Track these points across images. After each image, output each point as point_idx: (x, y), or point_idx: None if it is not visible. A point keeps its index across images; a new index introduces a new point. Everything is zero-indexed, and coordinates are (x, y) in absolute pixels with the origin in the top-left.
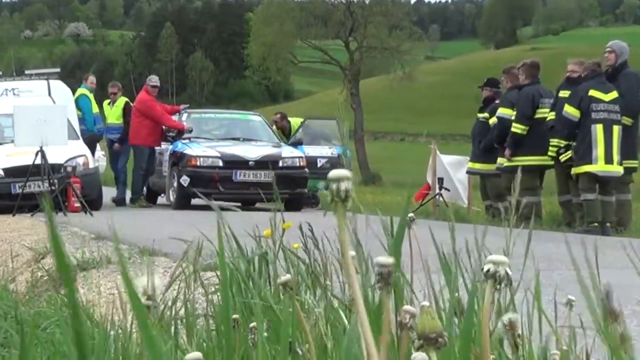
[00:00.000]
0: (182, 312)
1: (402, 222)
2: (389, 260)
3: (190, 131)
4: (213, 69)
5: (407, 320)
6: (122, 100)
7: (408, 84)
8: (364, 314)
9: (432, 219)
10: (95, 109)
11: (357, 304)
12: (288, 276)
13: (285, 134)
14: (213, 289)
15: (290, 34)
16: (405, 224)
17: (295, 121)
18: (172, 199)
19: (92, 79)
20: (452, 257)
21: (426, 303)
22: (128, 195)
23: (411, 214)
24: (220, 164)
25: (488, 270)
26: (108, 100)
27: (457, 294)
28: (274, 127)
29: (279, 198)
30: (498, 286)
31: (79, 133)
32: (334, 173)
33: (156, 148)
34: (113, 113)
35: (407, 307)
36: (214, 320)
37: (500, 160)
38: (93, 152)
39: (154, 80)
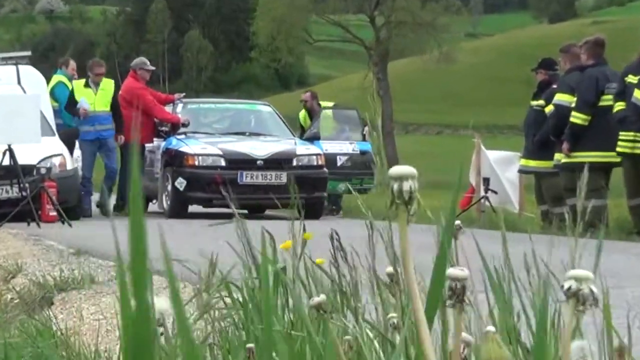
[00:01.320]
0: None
1: (447, 230)
2: (464, 272)
3: (187, 125)
4: (212, 50)
5: (462, 350)
6: (109, 82)
7: (445, 66)
8: (427, 336)
9: (477, 226)
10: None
11: (420, 330)
12: (323, 297)
13: (312, 119)
14: (218, 313)
15: (304, 8)
16: (451, 233)
17: (326, 106)
18: (165, 205)
19: (72, 64)
20: (505, 273)
21: (491, 328)
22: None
23: (457, 222)
24: (223, 163)
25: (569, 288)
26: (81, 81)
27: (512, 317)
28: (302, 112)
29: (295, 203)
30: (581, 307)
31: (54, 128)
32: (395, 169)
33: (147, 145)
34: (101, 98)
35: (463, 334)
36: (221, 350)
37: (557, 156)
38: (71, 150)
39: (145, 63)
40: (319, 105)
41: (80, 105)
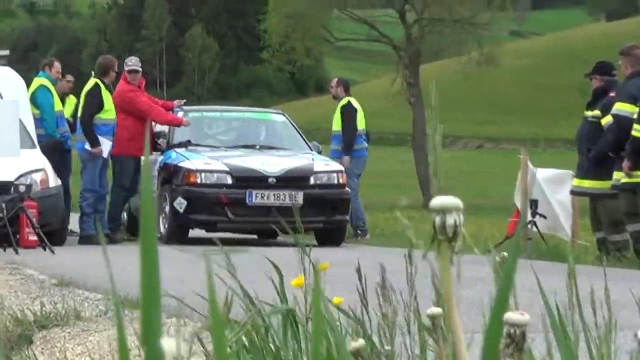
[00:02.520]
0: None
1: (511, 263)
2: (524, 317)
3: (188, 125)
4: (218, 50)
5: None
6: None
7: (487, 69)
8: None
9: (523, 257)
10: (58, 105)
11: None
12: (361, 342)
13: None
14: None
15: (324, 1)
16: (514, 266)
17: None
18: (162, 229)
19: (57, 65)
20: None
21: None
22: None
23: (504, 254)
24: (229, 180)
25: None
26: (99, 82)
27: None
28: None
29: (308, 228)
30: None
31: (35, 139)
32: (437, 201)
33: (143, 158)
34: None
35: None
36: None
37: (616, 175)
38: (56, 165)
39: (131, 63)
40: (346, 92)
41: (102, 147)
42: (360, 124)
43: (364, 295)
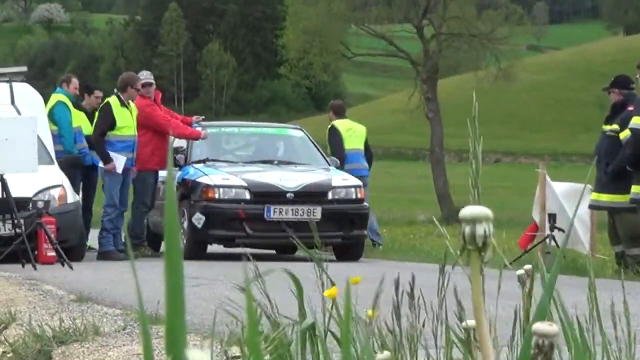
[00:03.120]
0: None
1: (552, 277)
2: (553, 328)
3: (205, 138)
4: (235, 65)
5: None
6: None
7: (505, 84)
8: None
9: (540, 271)
10: (76, 121)
11: None
12: (387, 354)
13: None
14: None
15: (342, 17)
16: (555, 280)
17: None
18: (181, 245)
19: (75, 81)
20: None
21: None
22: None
23: (528, 267)
24: (247, 196)
25: None
26: (115, 99)
27: None
28: None
29: (326, 243)
30: None
31: (53, 155)
32: (468, 211)
33: (160, 174)
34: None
35: None
36: None
37: (635, 189)
38: (73, 181)
39: (143, 77)
40: (337, 115)
41: (115, 163)
42: (355, 143)
43: (398, 307)
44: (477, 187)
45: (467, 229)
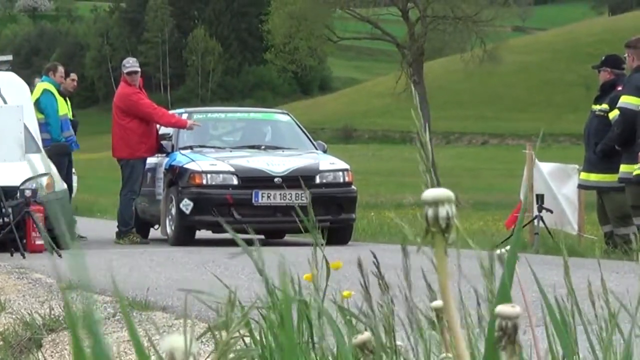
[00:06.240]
0: None
1: (511, 257)
2: (515, 310)
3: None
4: (221, 51)
5: None
6: None
7: (491, 66)
8: None
9: (530, 252)
10: (62, 110)
11: None
12: (367, 334)
13: None
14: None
15: (327, 1)
16: (514, 261)
17: None
18: (169, 231)
19: (61, 70)
20: (567, 305)
21: None
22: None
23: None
24: (235, 181)
25: None
26: None
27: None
28: None
29: (318, 227)
30: None
31: (40, 144)
32: (429, 194)
33: (147, 162)
34: None
35: None
36: None
37: (623, 168)
38: (61, 169)
39: (129, 64)
40: None
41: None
42: None
43: (366, 289)
44: (430, 171)
45: (430, 212)
